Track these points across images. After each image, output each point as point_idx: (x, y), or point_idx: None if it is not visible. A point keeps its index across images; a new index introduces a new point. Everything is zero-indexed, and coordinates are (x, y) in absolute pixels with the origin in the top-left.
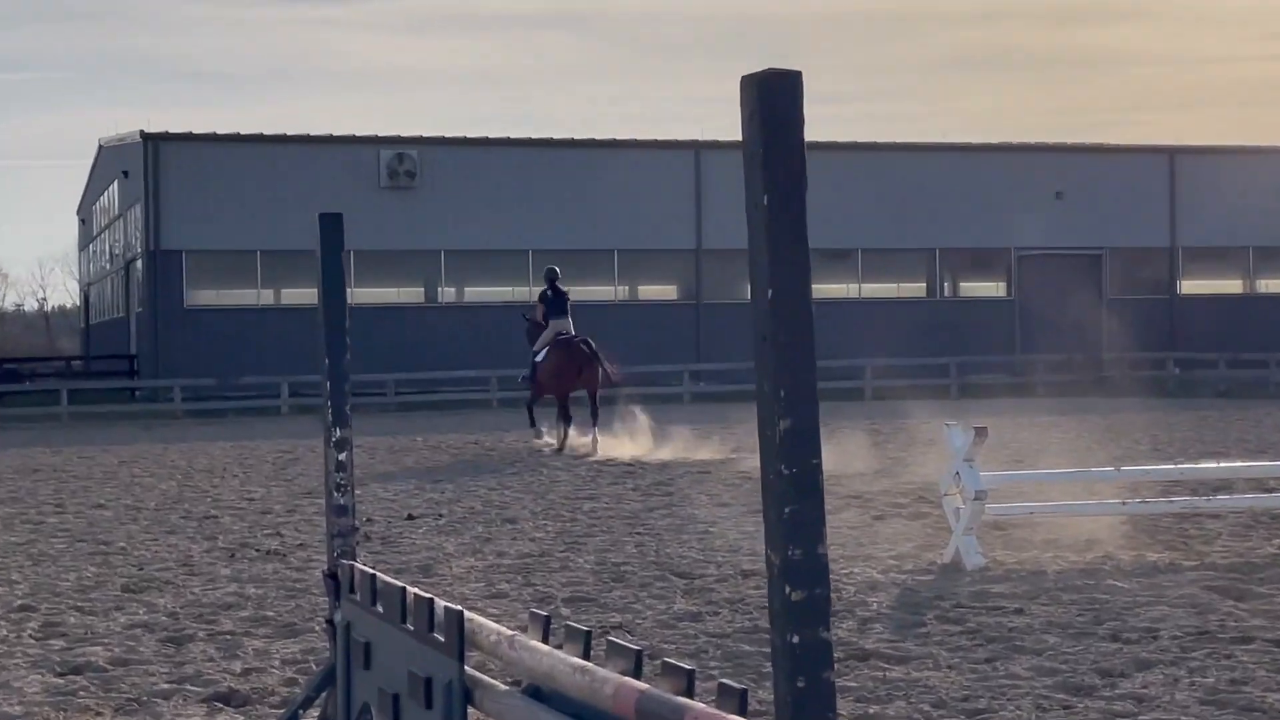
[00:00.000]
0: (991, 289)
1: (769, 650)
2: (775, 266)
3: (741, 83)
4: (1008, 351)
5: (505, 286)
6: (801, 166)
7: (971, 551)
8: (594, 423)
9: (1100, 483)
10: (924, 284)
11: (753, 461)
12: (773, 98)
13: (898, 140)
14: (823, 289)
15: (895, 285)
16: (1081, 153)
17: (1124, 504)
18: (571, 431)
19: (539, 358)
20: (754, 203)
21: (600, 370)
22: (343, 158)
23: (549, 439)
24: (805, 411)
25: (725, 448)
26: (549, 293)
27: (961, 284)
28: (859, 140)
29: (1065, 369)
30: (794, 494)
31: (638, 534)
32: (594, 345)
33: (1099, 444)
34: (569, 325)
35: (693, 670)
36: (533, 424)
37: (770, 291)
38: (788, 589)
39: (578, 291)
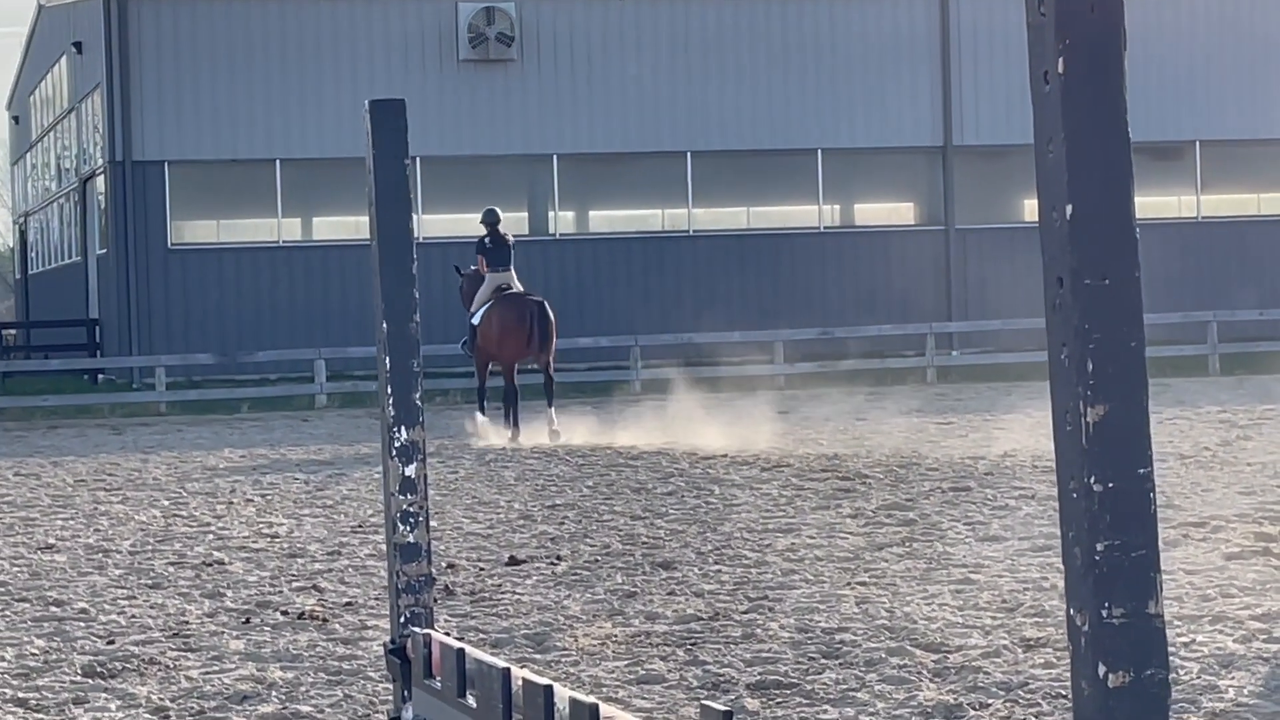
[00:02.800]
0: None
1: None
2: (1076, 170)
3: None
4: None
5: (651, 209)
6: (1117, 11)
7: None
8: (549, 403)
9: None
10: None
11: (1034, 471)
12: None
13: None
14: (1140, 203)
15: (1254, 196)
16: None
17: None
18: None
19: (477, 319)
20: (1041, 71)
21: (553, 339)
22: (404, 19)
23: (494, 438)
24: (1128, 393)
25: (991, 447)
26: (488, 240)
27: None
28: None
29: None
30: (1111, 522)
31: (860, 583)
32: (549, 309)
33: None
34: (513, 280)
35: None
36: (482, 409)
37: (1070, 209)
38: (1102, 669)
39: (760, 214)
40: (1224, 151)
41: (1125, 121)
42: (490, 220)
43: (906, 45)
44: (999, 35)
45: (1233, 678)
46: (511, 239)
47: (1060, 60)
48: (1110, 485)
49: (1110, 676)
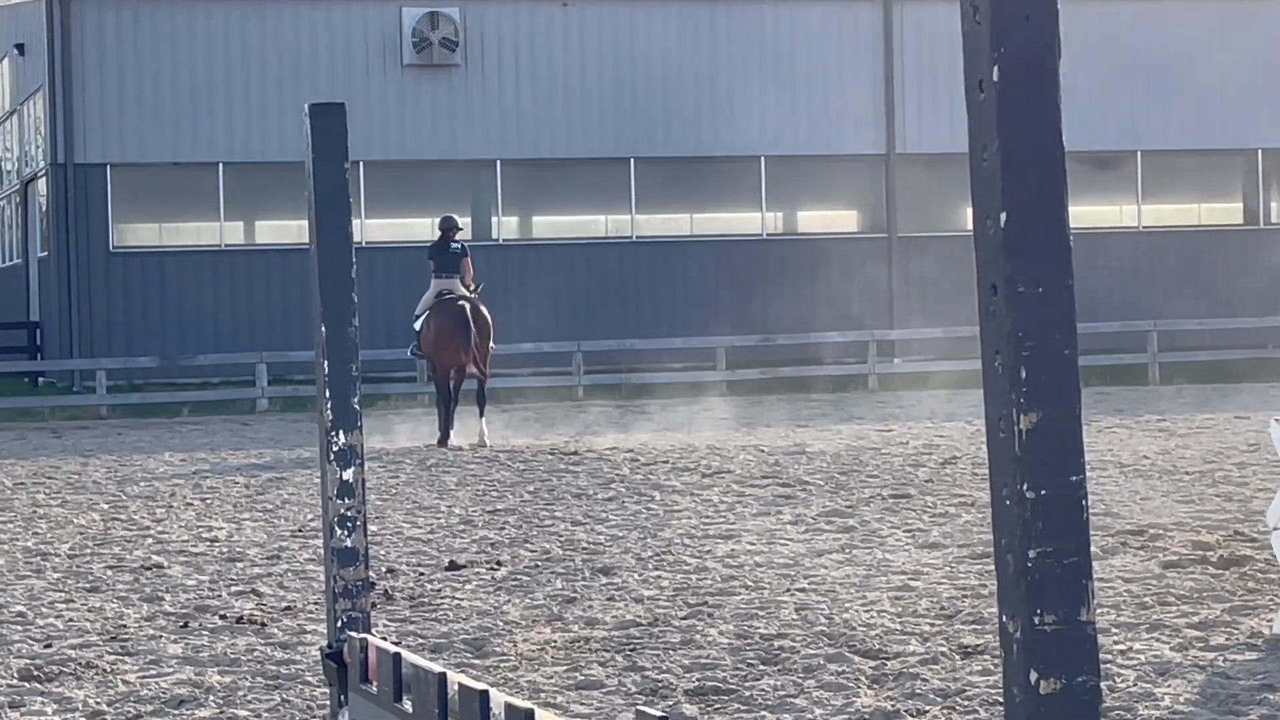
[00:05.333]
0: None
1: None
2: (1011, 178)
3: None
4: None
5: (595, 214)
6: (1052, 20)
7: None
8: (480, 413)
9: None
10: (1239, 204)
11: (974, 479)
12: None
13: None
14: (1082, 212)
15: (1195, 206)
16: None
17: None
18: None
19: (418, 324)
20: (976, 79)
21: (486, 346)
22: (348, 23)
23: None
24: (1060, 400)
25: (931, 455)
26: (436, 248)
27: None
28: None
29: None
30: (1043, 529)
31: (799, 590)
32: (485, 314)
33: None
34: (456, 286)
35: None
36: (441, 417)
37: (1003, 216)
38: (1034, 675)
39: (703, 221)
40: (1165, 161)
41: (1060, 130)
42: (446, 226)
43: (850, 52)
44: (943, 43)
45: (1169, 686)
46: (458, 247)
47: (995, 68)
48: (1043, 492)
49: (1042, 683)
